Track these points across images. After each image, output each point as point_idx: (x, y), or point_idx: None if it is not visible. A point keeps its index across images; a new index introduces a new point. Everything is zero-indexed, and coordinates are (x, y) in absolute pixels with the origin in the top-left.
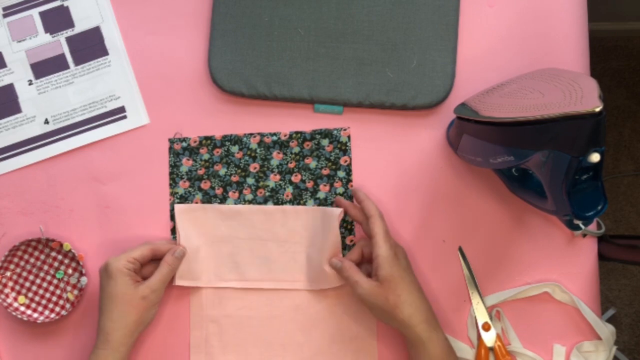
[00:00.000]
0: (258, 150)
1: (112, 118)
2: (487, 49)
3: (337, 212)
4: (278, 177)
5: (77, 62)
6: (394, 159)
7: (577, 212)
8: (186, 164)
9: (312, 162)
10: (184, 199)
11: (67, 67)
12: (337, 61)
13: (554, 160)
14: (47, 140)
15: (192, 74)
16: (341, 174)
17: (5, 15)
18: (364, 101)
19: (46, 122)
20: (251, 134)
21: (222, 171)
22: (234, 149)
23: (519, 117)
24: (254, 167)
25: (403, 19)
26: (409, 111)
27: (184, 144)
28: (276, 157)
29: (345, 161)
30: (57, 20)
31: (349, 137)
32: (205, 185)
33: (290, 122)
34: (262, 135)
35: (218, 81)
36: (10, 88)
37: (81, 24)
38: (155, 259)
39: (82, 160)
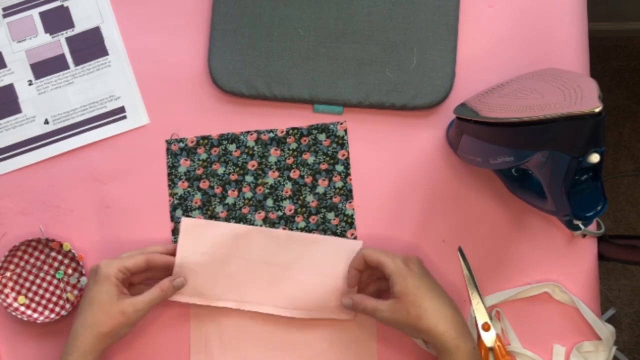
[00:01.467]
0: (255, 148)
1: (112, 118)
2: (487, 49)
3: (358, 245)
4: (277, 173)
5: (77, 62)
6: (393, 159)
7: (576, 212)
8: (184, 164)
9: (310, 158)
10: (183, 199)
11: (67, 67)
12: (337, 61)
13: (554, 161)
14: (47, 140)
15: (192, 74)
16: (339, 168)
17: (5, 16)
18: (363, 101)
19: (46, 122)
20: (248, 132)
21: (221, 170)
22: (232, 147)
23: (519, 117)
24: (252, 165)
25: (403, 19)
26: (409, 111)
27: (181, 145)
28: (274, 154)
29: (343, 155)
30: (57, 20)
31: (345, 130)
32: (204, 184)
33: (290, 122)
34: (259, 132)
35: (218, 81)
36: (10, 88)
37: (81, 24)
38: (149, 270)
39: (82, 160)
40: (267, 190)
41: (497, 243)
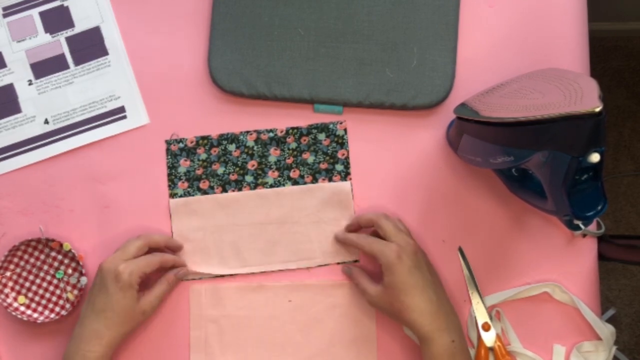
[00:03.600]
0: (255, 148)
1: (112, 118)
2: (487, 49)
3: (347, 185)
4: (276, 173)
5: (77, 62)
6: (394, 159)
7: (577, 212)
8: (184, 164)
9: (309, 157)
10: (182, 198)
11: (67, 67)
12: (337, 61)
13: (554, 161)
14: (47, 140)
15: (192, 74)
16: (339, 167)
17: (5, 15)
18: (364, 101)
19: (46, 122)
20: (247, 132)
21: (220, 170)
22: (231, 147)
23: (519, 117)
24: (252, 165)
25: (403, 19)
26: (409, 111)
27: (181, 145)
28: (273, 154)
29: (343, 154)
30: (57, 20)
31: (345, 130)
32: (204, 185)
33: (290, 122)
34: (258, 132)
35: (218, 81)
36: (10, 88)
37: (81, 24)
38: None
39: (82, 160)
40: (266, 189)
41: (497, 243)
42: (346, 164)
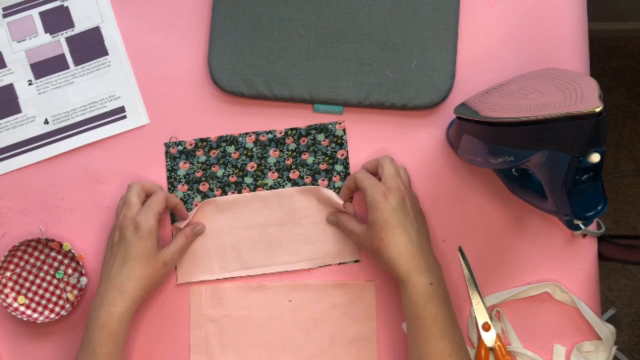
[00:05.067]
0: (254, 149)
1: (112, 118)
2: (487, 49)
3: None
4: (276, 174)
5: (77, 62)
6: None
7: (577, 212)
8: (183, 167)
9: (309, 158)
10: (183, 202)
11: (67, 67)
12: (337, 61)
13: (554, 160)
14: (47, 140)
15: (192, 74)
16: (339, 167)
17: (5, 15)
18: (364, 101)
19: (46, 122)
20: (246, 134)
21: (220, 172)
22: (230, 149)
23: (519, 117)
24: (251, 166)
25: (403, 19)
26: (409, 111)
27: (180, 148)
28: (273, 155)
29: (342, 155)
30: (57, 20)
31: (344, 130)
32: (203, 187)
33: (290, 122)
34: (257, 134)
35: (218, 81)
36: (10, 88)
37: (81, 24)
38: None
39: (82, 160)
40: (266, 191)
41: (497, 243)
42: (346, 164)
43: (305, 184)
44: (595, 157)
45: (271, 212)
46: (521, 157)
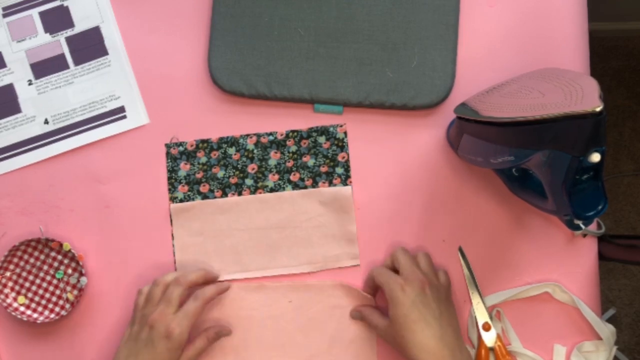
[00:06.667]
0: (255, 151)
1: (111, 118)
2: (487, 49)
3: (348, 190)
4: (277, 176)
5: (77, 62)
6: (394, 159)
7: (577, 212)
8: (184, 168)
9: (309, 160)
10: (183, 203)
11: (67, 67)
12: (337, 61)
13: (555, 160)
14: (47, 140)
15: (192, 74)
16: (339, 170)
17: (5, 15)
18: (364, 101)
19: (46, 122)
20: (247, 135)
21: (220, 173)
22: (231, 150)
23: (519, 117)
24: (252, 168)
25: (403, 19)
26: (409, 111)
27: (181, 148)
28: (274, 157)
29: (343, 157)
30: (57, 20)
31: (345, 133)
32: (204, 188)
33: (290, 122)
34: (258, 135)
35: (218, 81)
36: (10, 88)
37: (81, 24)
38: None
39: (82, 160)
40: (267, 194)
41: (497, 243)
42: (346, 167)
43: (305, 187)
44: (595, 157)
45: (272, 215)
46: (521, 157)
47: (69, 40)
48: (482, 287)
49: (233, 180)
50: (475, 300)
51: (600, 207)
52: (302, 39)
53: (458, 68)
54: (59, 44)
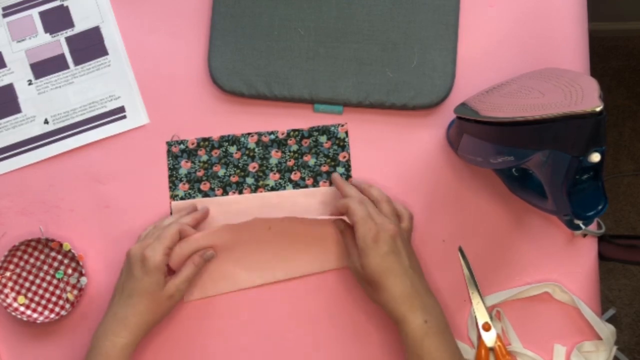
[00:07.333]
0: (256, 150)
1: (111, 118)
2: (487, 49)
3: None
4: (277, 175)
5: (77, 62)
6: (394, 159)
7: (577, 212)
8: (185, 166)
9: (310, 160)
10: (184, 200)
11: (66, 67)
12: (337, 61)
13: (555, 160)
14: (47, 140)
15: (192, 74)
16: (340, 170)
17: (5, 15)
18: (364, 101)
19: (46, 122)
20: (249, 134)
21: (221, 172)
22: (232, 149)
23: (519, 117)
24: (253, 167)
25: (403, 19)
26: (409, 111)
27: (182, 147)
28: (275, 156)
29: (344, 157)
30: (57, 20)
31: (346, 132)
32: (205, 186)
33: (290, 122)
34: (259, 134)
35: (218, 81)
36: (10, 88)
37: (81, 24)
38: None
39: (82, 160)
40: (267, 192)
41: (497, 243)
42: (347, 166)
43: (306, 186)
44: (595, 157)
45: (272, 213)
46: (521, 157)
47: (69, 40)
48: (482, 287)
49: (234, 179)
50: (475, 300)
51: (600, 207)
52: (302, 39)
53: (458, 68)
54: (59, 44)
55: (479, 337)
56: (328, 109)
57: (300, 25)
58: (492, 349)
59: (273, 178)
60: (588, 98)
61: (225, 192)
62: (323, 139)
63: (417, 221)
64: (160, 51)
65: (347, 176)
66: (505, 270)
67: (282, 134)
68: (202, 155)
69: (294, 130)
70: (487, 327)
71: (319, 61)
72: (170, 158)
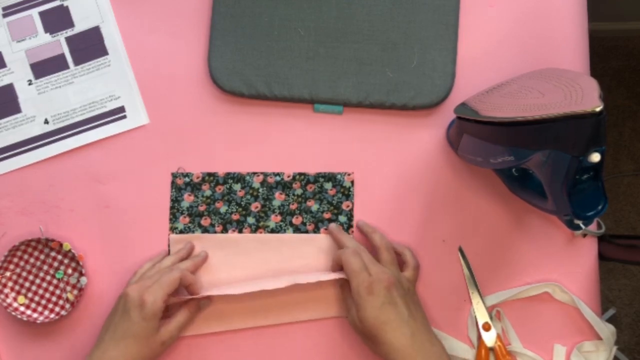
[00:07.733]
0: (260, 190)
1: (111, 118)
2: (487, 49)
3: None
4: (279, 217)
5: (77, 62)
6: (394, 159)
7: (577, 212)
8: (187, 199)
9: (314, 205)
10: (182, 234)
11: (66, 67)
12: (337, 61)
13: (555, 160)
14: (47, 140)
15: (192, 74)
16: (342, 218)
17: (5, 15)
18: (364, 101)
19: (46, 122)
20: (254, 173)
21: (223, 209)
22: (237, 187)
23: (519, 117)
24: (255, 207)
25: (403, 18)
26: (409, 111)
27: (187, 179)
28: (278, 198)
29: (348, 206)
30: (57, 20)
31: (352, 182)
32: (205, 222)
33: (290, 122)
34: (265, 174)
35: (218, 81)
36: (10, 88)
37: (81, 24)
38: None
39: (82, 160)
40: (267, 234)
41: (497, 243)
42: (350, 215)
43: (307, 231)
44: (595, 157)
45: (270, 256)
46: (521, 157)
47: (69, 40)
48: (482, 287)
49: (235, 217)
50: (475, 300)
51: (600, 207)
52: (302, 39)
53: (458, 68)
54: (59, 44)
55: (479, 337)
56: (328, 109)
57: (300, 25)
58: (492, 349)
59: (274, 220)
60: (588, 98)
61: (225, 229)
62: (328, 185)
63: (417, 221)
64: (160, 51)
65: (349, 225)
66: (505, 270)
67: (288, 176)
68: (206, 190)
69: (300, 174)
70: (487, 327)
71: (319, 61)
72: (173, 190)
